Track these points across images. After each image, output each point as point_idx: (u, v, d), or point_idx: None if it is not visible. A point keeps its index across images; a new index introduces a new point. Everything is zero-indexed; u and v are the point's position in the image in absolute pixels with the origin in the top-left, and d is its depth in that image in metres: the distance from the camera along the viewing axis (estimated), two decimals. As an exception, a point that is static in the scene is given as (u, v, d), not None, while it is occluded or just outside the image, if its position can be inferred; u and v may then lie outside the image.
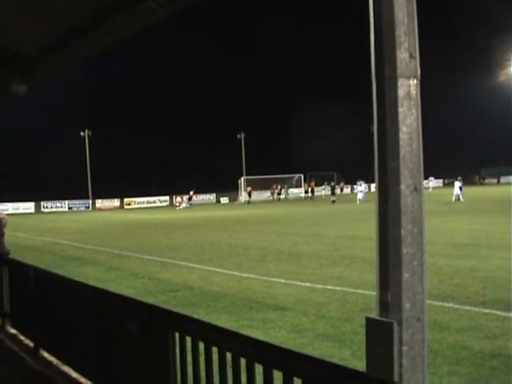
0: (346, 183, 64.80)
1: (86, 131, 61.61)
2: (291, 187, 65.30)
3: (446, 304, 7.93)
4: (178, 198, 55.80)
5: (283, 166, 71.04)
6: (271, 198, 60.98)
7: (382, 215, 2.58)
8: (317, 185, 62.52)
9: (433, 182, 63.68)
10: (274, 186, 61.36)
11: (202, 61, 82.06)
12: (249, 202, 55.74)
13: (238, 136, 71.27)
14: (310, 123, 79.61)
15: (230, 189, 62.59)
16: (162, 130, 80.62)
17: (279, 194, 60.28)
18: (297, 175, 68.49)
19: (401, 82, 2.51)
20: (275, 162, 78.15)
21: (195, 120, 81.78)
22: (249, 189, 58.44)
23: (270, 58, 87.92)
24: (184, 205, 53.07)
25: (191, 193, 57.42)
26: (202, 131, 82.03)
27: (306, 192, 62.14)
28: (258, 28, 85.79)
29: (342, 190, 65.65)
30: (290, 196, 64.28)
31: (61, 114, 70.35)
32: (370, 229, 17.31)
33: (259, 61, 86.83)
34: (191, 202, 56.08)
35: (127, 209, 56.76)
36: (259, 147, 77.43)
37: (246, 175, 66.97)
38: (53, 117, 70.17)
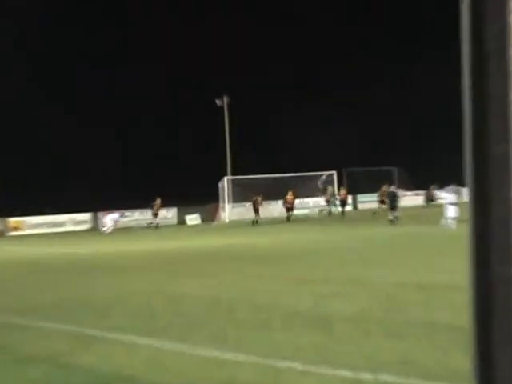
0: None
1: None
2: (309, 195, 65.44)
3: None
4: (110, 217, 56.03)
5: (296, 158, 71.78)
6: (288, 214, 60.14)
7: (480, 243, 2.55)
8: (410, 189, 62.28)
9: None
10: (290, 196, 60.43)
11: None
12: (256, 222, 55.95)
13: (218, 102, 71.43)
14: (336, 86, 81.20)
15: (203, 200, 62.74)
16: (84, 101, 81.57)
17: (290, 209, 59.49)
18: (325, 173, 68.76)
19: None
20: (281, 152, 79.28)
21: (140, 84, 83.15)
22: (258, 198, 58.30)
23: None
24: (110, 224, 53.63)
25: (157, 203, 57.68)
26: (154, 102, 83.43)
27: (344, 203, 62.26)
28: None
29: (431, 199, 65.94)
30: (315, 211, 64.33)
31: None
32: (457, 269, 17.31)
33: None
34: (155, 221, 56.56)
35: (14, 236, 56.81)
36: (252, 126, 78.37)
37: (233, 174, 67.14)
38: None
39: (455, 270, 19.29)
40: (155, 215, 57.55)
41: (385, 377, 9.72)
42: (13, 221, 59.37)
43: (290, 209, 59.31)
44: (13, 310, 17.21)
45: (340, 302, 16.18)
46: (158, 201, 57.68)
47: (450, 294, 15.94)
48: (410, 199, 72.03)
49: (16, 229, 58.97)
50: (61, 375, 10.79)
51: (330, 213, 62.25)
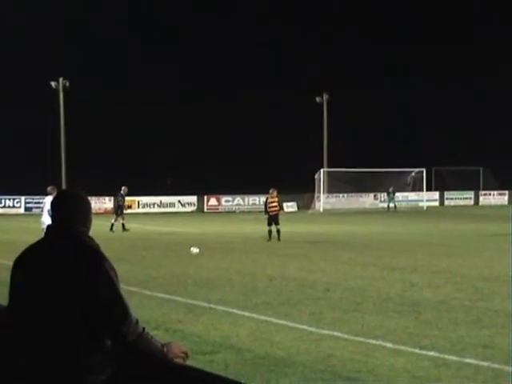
0: None
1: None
2: (399, 190, 65.04)
3: None
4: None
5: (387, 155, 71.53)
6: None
7: None
8: None
9: None
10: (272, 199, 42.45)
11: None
12: None
13: (318, 99, 71.46)
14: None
15: (299, 189, 62.81)
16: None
17: (275, 219, 38.42)
18: (415, 170, 68.20)
19: None
20: (375, 148, 79.17)
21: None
22: None
23: None
24: None
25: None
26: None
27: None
28: None
29: None
30: (403, 205, 64.11)
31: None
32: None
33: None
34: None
35: (126, 214, 57.70)
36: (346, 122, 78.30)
37: (329, 166, 67.07)
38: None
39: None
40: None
41: (467, 359, 9.85)
42: (128, 199, 60.37)
43: (274, 219, 31.04)
44: (131, 280, 17.65)
45: (427, 289, 16.28)
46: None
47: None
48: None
49: (129, 207, 59.93)
50: (173, 340, 11.06)
51: (389, 207, 61.95)
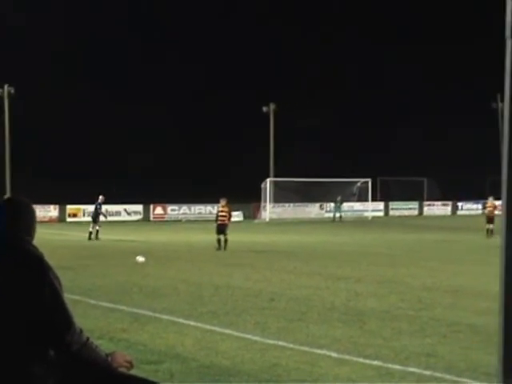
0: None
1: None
2: (345, 200, 65.46)
3: None
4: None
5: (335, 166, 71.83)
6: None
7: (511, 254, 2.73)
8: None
9: None
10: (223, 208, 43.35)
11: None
12: None
13: (265, 109, 71.53)
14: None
15: (245, 199, 62.71)
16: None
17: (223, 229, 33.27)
18: (360, 180, 68.69)
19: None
20: (320, 158, 79.43)
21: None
22: None
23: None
24: None
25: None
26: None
27: None
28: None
29: None
30: (348, 215, 64.47)
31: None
32: (488, 277, 17.30)
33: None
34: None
35: (71, 222, 57.26)
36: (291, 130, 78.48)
37: (275, 176, 67.14)
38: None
39: (480, 275, 19.43)
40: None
41: (411, 369, 9.95)
42: (70, 208, 59.91)
43: (222, 229, 30.97)
44: (75, 289, 17.47)
45: (371, 298, 16.39)
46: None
47: (474, 297, 16.13)
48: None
49: (74, 215, 59.56)
50: (118, 349, 11.01)
51: (335, 217, 62.54)
